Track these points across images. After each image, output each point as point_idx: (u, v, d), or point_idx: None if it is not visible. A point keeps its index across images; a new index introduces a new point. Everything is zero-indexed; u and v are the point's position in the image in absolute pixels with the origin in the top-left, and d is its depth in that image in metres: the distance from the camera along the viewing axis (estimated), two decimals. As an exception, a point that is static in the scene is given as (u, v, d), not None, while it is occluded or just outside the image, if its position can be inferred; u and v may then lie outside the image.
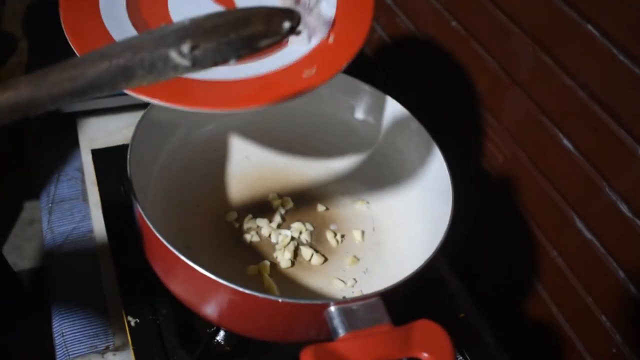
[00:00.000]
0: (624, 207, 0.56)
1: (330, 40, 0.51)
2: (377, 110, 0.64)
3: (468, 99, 0.79)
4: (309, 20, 0.52)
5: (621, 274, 0.58)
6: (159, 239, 0.42)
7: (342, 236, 0.61)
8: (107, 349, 0.56)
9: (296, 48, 0.51)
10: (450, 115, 0.81)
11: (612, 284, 0.58)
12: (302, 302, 0.41)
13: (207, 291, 0.44)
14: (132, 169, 0.48)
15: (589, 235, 0.61)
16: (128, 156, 0.49)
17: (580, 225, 0.62)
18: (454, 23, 0.77)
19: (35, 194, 1.42)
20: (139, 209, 0.44)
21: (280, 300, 0.40)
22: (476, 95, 0.77)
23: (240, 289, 0.39)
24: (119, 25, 0.48)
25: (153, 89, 0.43)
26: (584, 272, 0.63)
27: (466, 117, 0.80)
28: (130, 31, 0.49)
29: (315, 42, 0.51)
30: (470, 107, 0.79)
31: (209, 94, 0.45)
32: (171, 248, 0.42)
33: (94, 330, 0.58)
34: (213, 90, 0.46)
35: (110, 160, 0.66)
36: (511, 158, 0.71)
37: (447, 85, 0.83)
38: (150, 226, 0.43)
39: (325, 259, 0.59)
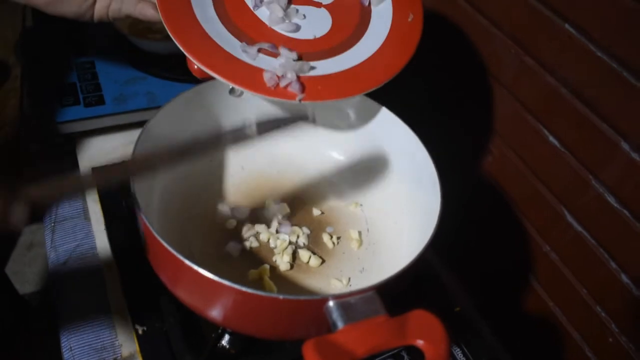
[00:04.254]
0: (611, 199, 0.58)
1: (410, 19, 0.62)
2: (366, 115, 0.66)
3: (455, 101, 0.81)
4: None
5: (613, 264, 0.59)
6: (165, 247, 0.44)
7: (338, 238, 0.63)
8: (115, 360, 0.58)
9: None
10: (438, 118, 0.83)
11: (605, 275, 0.60)
12: (302, 298, 0.42)
13: (212, 294, 0.45)
14: (135, 183, 0.49)
15: (579, 229, 0.62)
16: (131, 174, 0.50)
17: (570, 219, 0.63)
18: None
19: (33, 217, 1.42)
20: (144, 221, 0.46)
21: (281, 297, 0.41)
22: (462, 98, 0.79)
23: (243, 289, 0.41)
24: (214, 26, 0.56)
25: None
26: (577, 264, 0.64)
27: (454, 120, 0.82)
28: (224, 31, 0.57)
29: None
30: (457, 110, 0.81)
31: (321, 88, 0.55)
32: (177, 255, 0.43)
33: (101, 343, 0.59)
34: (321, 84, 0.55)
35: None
36: (499, 157, 0.73)
37: (434, 90, 0.85)
38: (157, 236, 0.44)
39: (323, 261, 0.60)
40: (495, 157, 0.74)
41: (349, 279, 0.58)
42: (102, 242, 0.66)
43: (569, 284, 0.65)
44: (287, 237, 0.60)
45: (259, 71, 0.54)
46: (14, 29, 1.08)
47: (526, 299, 0.72)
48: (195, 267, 0.42)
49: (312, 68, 0.56)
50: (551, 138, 0.64)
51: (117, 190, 0.65)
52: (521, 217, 0.71)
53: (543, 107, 0.65)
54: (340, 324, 0.40)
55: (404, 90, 0.89)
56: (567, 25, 0.59)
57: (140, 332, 0.54)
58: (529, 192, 0.69)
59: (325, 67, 0.57)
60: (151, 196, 0.56)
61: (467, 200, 0.77)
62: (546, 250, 0.68)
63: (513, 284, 0.74)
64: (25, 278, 1.35)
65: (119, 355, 0.58)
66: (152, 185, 0.57)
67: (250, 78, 0.53)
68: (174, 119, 0.60)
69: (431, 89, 0.86)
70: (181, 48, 0.53)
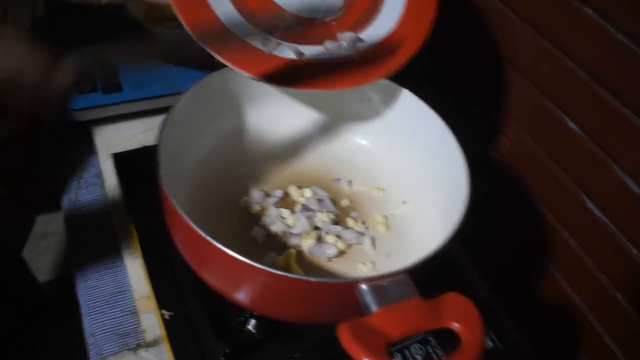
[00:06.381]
0: (632, 184, 0.57)
1: None
2: (391, 100, 0.66)
3: (470, 87, 0.81)
4: None
5: (634, 251, 0.58)
6: (194, 230, 0.44)
7: (363, 222, 0.62)
8: (138, 345, 0.58)
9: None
10: (453, 104, 0.82)
11: (625, 262, 0.59)
12: (334, 281, 0.42)
13: (242, 277, 0.45)
14: (162, 167, 0.49)
15: (599, 214, 0.62)
16: (158, 154, 0.50)
17: (590, 205, 0.63)
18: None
19: (47, 207, 1.43)
20: (172, 203, 0.46)
21: (313, 280, 0.41)
22: (478, 83, 0.79)
23: (276, 272, 0.41)
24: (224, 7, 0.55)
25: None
26: (597, 251, 0.64)
27: (469, 105, 0.81)
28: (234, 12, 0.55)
29: None
30: (472, 95, 0.81)
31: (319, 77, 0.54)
32: (207, 237, 0.43)
33: (124, 329, 0.60)
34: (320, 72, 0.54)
35: (130, 163, 0.68)
36: (517, 142, 0.73)
37: (448, 76, 0.85)
38: (186, 219, 0.45)
39: (348, 245, 0.60)
40: (512, 142, 0.74)
41: (374, 263, 0.58)
42: (122, 227, 0.67)
43: (589, 271, 0.64)
44: (312, 221, 0.60)
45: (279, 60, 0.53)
46: (25, 17, 1.08)
47: (544, 286, 0.72)
48: (227, 250, 0.42)
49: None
50: (570, 123, 0.64)
51: (137, 177, 0.65)
52: (539, 203, 0.71)
53: (562, 92, 0.64)
54: (373, 307, 0.40)
55: (418, 75, 0.89)
56: (586, 8, 0.58)
57: (166, 317, 0.54)
58: (547, 178, 0.68)
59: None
60: (177, 182, 0.56)
61: (485, 185, 0.77)
62: (565, 236, 0.67)
63: (531, 270, 0.74)
64: (38, 267, 1.36)
65: (142, 340, 0.58)
66: (176, 171, 0.57)
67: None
68: (199, 103, 0.60)
69: (446, 74, 0.85)
70: (199, 42, 0.52)
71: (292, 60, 0.54)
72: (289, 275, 0.41)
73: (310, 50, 0.55)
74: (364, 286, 0.41)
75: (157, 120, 0.77)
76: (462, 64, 0.82)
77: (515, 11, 0.68)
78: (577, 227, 0.66)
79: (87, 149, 0.76)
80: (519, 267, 0.76)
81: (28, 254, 1.36)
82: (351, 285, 0.42)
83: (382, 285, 0.41)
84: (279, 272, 0.41)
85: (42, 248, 1.41)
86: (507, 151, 0.75)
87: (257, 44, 0.54)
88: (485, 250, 0.77)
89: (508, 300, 0.68)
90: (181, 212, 0.44)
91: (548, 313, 0.72)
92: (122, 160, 0.68)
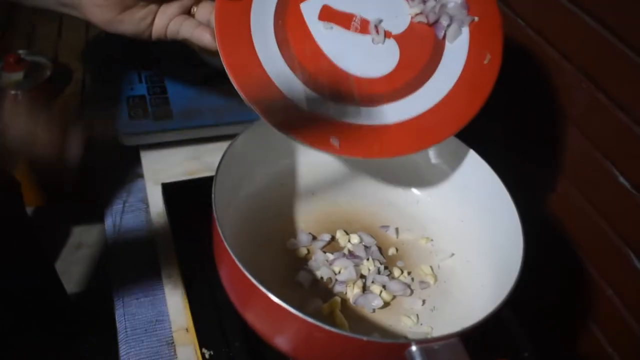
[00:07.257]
0: (681, 244, 0.56)
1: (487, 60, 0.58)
2: (446, 153, 0.66)
3: (517, 135, 0.80)
4: (451, 12, 0.57)
5: (683, 314, 0.57)
6: (241, 271, 0.44)
7: (409, 273, 0.62)
8: (173, 379, 0.58)
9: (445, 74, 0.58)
10: (497, 151, 0.82)
11: (673, 325, 0.58)
12: (386, 341, 0.42)
13: (286, 324, 0.45)
14: (217, 203, 0.50)
15: (646, 273, 0.61)
16: (214, 189, 0.51)
17: (637, 263, 0.61)
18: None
19: (83, 219, 1.45)
20: (224, 244, 0.46)
21: (365, 339, 0.41)
22: (525, 131, 0.78)
23: (325, 326, 0.41)
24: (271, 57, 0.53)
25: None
26: (641, 310, 0.62)
27: (514, 153, 0.80)
28: (281, 64, 0.53)
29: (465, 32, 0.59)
30: (519, 144, 0.80)
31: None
32: (254, 280, 0.43)
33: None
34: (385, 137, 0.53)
35: (179, 194, 0.69)
36: (563, 194, 0.72)
37: (494, 121, 0.84)
38: (235, 258, 0.45)
39: (394, 296, 0.59)
40: (558, 194, 0.73)
41: (419, 316, 0.57)
42: (166, 256, 0.67)
43: (632, 332, 0.63)
44: (358, 269, 0.60)
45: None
46: (78, 36, 1.11)
47: (584, 345, 0.70)
48: (274, 298, 0.42)
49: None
50: (621, 178, 0.62)
51: (184, 208, 0.65)
52: (583, 258, 0.69)
53: (613, 145, 0.63)
54: (424, 372, 0.40)
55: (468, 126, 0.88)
56: (643, 62, 0.57)
57: (207, 356, 0.54)
58: (593, 232, 0.67)
59: (387, 114, 0.55)
60: (228, 218, 0.57)
61: (526, 237, 0.76)
62: (609, 294, 0.66)
63: (571, 328, 0.72)
64: (72, 278, 1.38)
65: (178, 374, 0.58)
66: (230, 207, 0.58)
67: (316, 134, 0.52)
68: (255, 142, 0.61)
69: (496, 123, 0.84)
70: (243, 96, 0.51)
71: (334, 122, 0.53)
72: (340, 331, 0.41)
73: (356, 112, 0.54)
74: (414, 348, 0.41)
75: (203, 148, 0.79)
76: (513, 112, 0.81)
77: (571, 61, 0.68)
78: (623, 285, 0.64)
79: (133, 170, 0.77)
80: (558, 323, 0.74)
81: (62, 264, 1.38)
82: (402, 346, 0.41)
83: (433, 349, 0.41)
84: (328, 328, 0.41)
85: (77, 259, 1.43)
86: (553, 203, 0.74)
87: (298, 101, 0.53)
88: (527, 306, 0.75)
89: (547, 356, 0.67)
90: (231, 251, 0.45)
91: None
92: (171, 190, 0.69)
